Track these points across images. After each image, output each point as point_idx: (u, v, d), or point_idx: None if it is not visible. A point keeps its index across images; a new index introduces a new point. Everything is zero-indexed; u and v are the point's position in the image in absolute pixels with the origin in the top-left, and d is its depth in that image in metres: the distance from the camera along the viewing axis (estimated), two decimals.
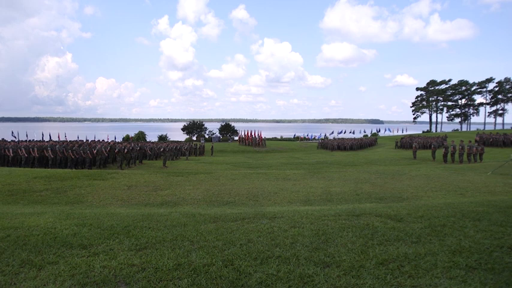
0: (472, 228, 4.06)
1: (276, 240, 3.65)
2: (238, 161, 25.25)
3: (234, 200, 8.16)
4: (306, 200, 8.07)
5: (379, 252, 3.25)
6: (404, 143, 37.72)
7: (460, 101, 78.70)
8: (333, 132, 62.35)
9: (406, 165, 18.97)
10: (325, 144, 42.50)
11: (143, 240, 3.67)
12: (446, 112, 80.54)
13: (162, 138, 53.10)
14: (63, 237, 3.78)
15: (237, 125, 66.51)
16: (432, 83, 79.27)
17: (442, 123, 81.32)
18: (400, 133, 63.67)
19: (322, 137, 58.79)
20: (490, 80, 73.09)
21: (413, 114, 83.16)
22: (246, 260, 3.09)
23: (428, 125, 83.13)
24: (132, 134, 52.85)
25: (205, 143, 43.40)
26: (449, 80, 77.25)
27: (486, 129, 63.30)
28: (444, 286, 2.60)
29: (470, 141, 20.80)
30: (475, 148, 19.88)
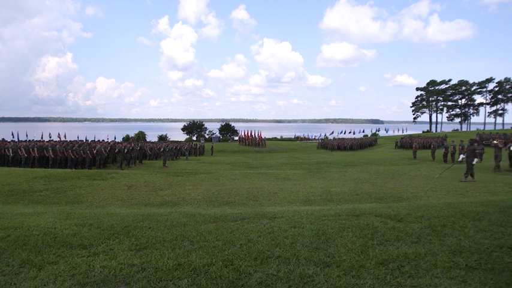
0: (472, 228, 4.06)
1: (276, 240, 3.65)
2: (238, 161, 25.24)
3: (234, 200, 8.16)
4: (306, 200, 8.07)
5: (379, 252, 3.25)
6: (404, 143, 37.71)
7: (460, 101, 78.66)
8: (333, 132, 62.32)
9: (406, 165, 18.96)
10: (325, 144, 42.50)
11: (143, 240, 3.67)
12: (446, 112, 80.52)
13: (162, 138, 53.10)
14: (63, 237, 3.78)
15: (237, 125, 66.49)
16: (432, 83, 79.22)
17: (442, 123, 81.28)
18: (399, 133, 63.63)
19: (322, 137, 58.78)
20: (490, 80, 73.03)
21: (413, 114, 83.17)
22: (246, 260, 3.09)
23: (428, 125, 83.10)
24: (132, 134, 52.85)
25: (205, 143, 43.39)
26: (449, 80, 77.27)
27: (486, 129, 63.26)
28: (444, 286, 2.60)
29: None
30: None
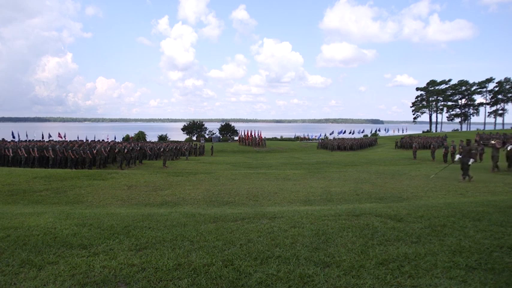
0: (472, 228, 4.06)
1: (276, 240, 3.65)
2: (238, 161, 25.25)
3: (234, 200, 8.16)
4: (306, 200, 8.07)
5: (379, 252, 3.25)
6: (404, 143, 37.73)
7: (460, 101, 78.69)
8: (332, 132, 62.34)
9: (406, 165, 18.97)
10: (325, 144, 42.52)
11: (143, 240, 3.67)
12: (446, 112, 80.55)
13: (162, 138, 53.12)
14: (63, 237, 3.78)
15: (237, 125, 66.54)
16: (432, 83, 79.24)
17: (442, 123, 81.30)
18: (399, 133, 63.64)
19: (322, 137, 58.79)
20: (490, 80, 73.05)
21: (413, 114, 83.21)
22: (246, 260, 3.09)
23: (428, 125, 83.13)
24: (132, 134, 52.87)
25: (205, 143, 43.40)
26: (449, 80, 77.31)
27: (486, 129, 63.27)
28: (444, 286, 2.60)
29: None
30: None
